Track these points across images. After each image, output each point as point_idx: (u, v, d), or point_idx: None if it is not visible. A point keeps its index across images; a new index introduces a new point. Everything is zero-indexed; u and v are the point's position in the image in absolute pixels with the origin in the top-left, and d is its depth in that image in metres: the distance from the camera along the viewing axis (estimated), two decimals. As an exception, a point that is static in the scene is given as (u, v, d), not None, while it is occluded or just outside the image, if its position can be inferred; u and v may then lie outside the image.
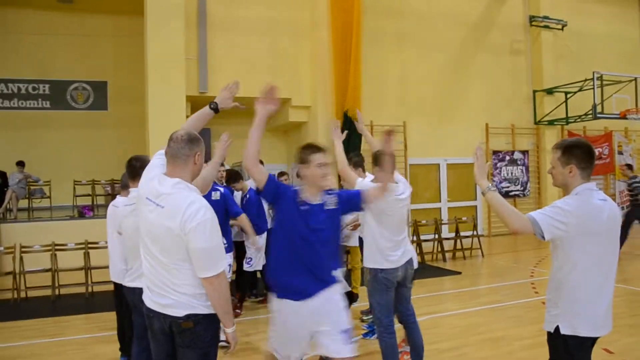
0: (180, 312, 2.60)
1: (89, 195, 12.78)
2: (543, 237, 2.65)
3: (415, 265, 4.58)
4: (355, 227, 6.41)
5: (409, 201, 4.43)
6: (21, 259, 8.21)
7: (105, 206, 12.65)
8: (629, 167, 11.74)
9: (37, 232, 10.01)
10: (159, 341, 2.75)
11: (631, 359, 4.90)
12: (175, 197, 2.60)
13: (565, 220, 2.63)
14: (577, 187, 2.76)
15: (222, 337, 2.77)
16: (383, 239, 4.17)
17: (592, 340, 2.78)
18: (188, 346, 2.64)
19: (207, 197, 6.02)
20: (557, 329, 2.75)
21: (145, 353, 3.50)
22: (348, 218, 6.66)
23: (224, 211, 5.59)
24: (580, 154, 2.77)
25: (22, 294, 8.11)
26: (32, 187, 12.39)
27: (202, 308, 2.62)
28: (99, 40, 14.07)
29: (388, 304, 4.23)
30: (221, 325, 2.71)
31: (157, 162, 2.85)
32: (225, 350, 2.85)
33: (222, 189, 5.77)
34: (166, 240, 2.58)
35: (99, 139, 14.00)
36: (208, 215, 2.58)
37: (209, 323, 2.65)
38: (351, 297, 7.39)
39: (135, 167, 3.78)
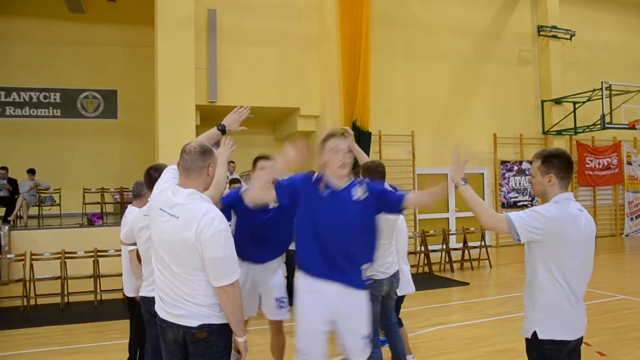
0: (194, 322, 2.63)
1: (98, 203, 12.86)
2: (519, 240, 2.72)
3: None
4: None
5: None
6: (31, 266, 8.27)
7: (114, 214, 12.86)
8: None
9: (47, 240, 10.09)
10: (171, 352, 2.78)
11: (641, 372, 4.87)
12: (190, 207, 2.63)
13: (542, 226, 2.69)
14: (556, 196, 2.82)
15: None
16: None
17: (569, 346, 2.79)
18: (201, 356, 2.67)
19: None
20: (534, 334, 2.78)
21: None
22: None
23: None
24: (559, 164, 2.82)
25: (32, 302, 8.16)
26: (42, 195, 12.49)
27: (215, 318, 2.65)
28: (109, 49, 14.23)
29: (376, 317, 4.12)
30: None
31: (167, 176, 2.90)
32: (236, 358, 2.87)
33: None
34: (181, 251, 2.61)
35: (109, 148, 14.14)
36: (223, 225, 2.62)
37: (222, 333, 2.68)
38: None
39: (153, 177, 3.71)
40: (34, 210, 12.21)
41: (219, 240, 2.58)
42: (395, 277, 4.28)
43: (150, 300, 2.98)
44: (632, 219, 16.22)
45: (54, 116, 14.22)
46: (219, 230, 2.59)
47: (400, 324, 4.77)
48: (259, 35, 12.09)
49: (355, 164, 7.07)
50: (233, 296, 2.63)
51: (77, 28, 14.05)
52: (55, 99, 14.25)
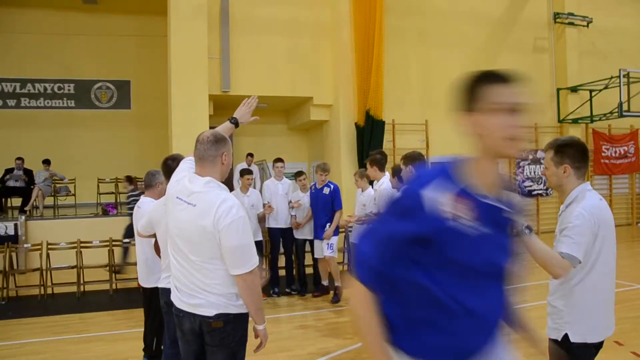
0: (210, 312, 2.63)
1: (112, 193, 12.95)
2: (580, 262, 2.59)
3: None
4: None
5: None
6: (47, 255, 8.36)
7: (128, 204, 12.92)
8: None
9: (63, 230, 10.20)
10: (188, 341, 2.79)
11: (659, 363, 4.81)
12: (207, 195, 2.63)
13: (589, 233, 2.59)
14: (575, 189, 2.70)
15: None
16: None
17: (597, 347, 2.72)
18: (217, 345, 2.67)
19: (320, 190, 7.50)
20: (565, 337, 2.67)
21: (177, 357, 3.50)
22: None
23: (331, 203, 7.38)
24: (573, 153, 2.69)
25: (49, 290, 8.26)
26: (57, 185, 12.59)
27: (232, 308, 2.65)
28: (122, 40, 14.24)
29: None
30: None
31: (185, 166, 2.92)
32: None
33: (332, 185, 7.49)
34: (198, 239, 2.62)
35: (122, 138, 14.18)
36: (241, 213, 2.62)
37: (238, 322, 2.68)
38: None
39: (171, 167, 3.69)
40: (49, 201, 12.31)
41: (237, 228, 2.58)
42: None
43: (169, 292, 2.98)
44: (649, 208, 16.01)
45: (68, 107, 14.28)
46: (237, 218, 2.59)
47: None
48: (272, 24, 12.03)
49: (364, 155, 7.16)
50: (252, 284, 2.62)
51: (89, 19, 14.06)
52: (69, 90, 14.32)
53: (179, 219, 2.69)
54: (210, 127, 8.68)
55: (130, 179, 10.39)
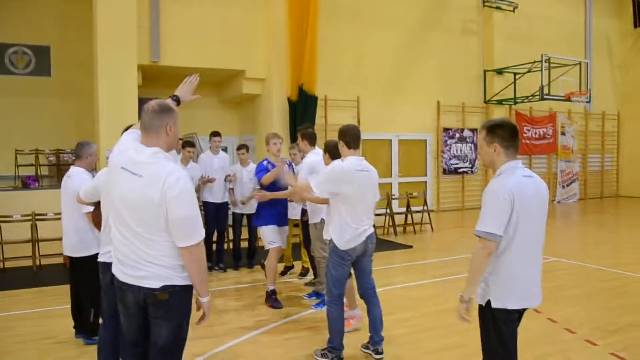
0: (156, 284, 2.59)
1: (32, 165, 12.28)
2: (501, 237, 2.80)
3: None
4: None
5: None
6: (-37, 230, 7.87)
7: (50, 177, 12.33)
8: None
9: (-22, 203, 9.58)
10: (131, 315, 2.72)
11: (572, 327, 5.19)
12: (154, 166, 2.57)
13: (510, 210, 2.77)
14: (500, 167, 2.90)
15: None
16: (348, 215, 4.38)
17: (519, 313, 2.92)
18: (162, 318, 2.63)
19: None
20: (488, 302, 2.87)
21: (114, 334, 3.43)
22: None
23: None
24: (502, 133, 2.89)
25: (-36, 267, 7.80)
26: (-30, 156, 11.80)
27: (178, 279, 2.62)
28: (42, 1, 13.35)
29: (342, 277, 4.44)
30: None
31: (128, 137, 2.83)
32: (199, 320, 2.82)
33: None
34: (144, 210, 2.55)
35: (42, 107, 13.35)
36: (188, 185, 2.59)
37: (184, 294, 2.65)
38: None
39: None
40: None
41: (184, 198, 2.55)
42: (370, 239, 4.61)
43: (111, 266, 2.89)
44: (563, 187, 17.06)
45: (-20, 72, 13.30)
46: (185, 189, 2.56)
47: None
48: (204, -7, 11.66)
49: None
50: (198, 256, 2.60)
51: (5, -22, 13.09)
52: (-20, 54, 13.31)
53: (124, 189, 2.61)
54: (139, 98, 8.30)
55: None
